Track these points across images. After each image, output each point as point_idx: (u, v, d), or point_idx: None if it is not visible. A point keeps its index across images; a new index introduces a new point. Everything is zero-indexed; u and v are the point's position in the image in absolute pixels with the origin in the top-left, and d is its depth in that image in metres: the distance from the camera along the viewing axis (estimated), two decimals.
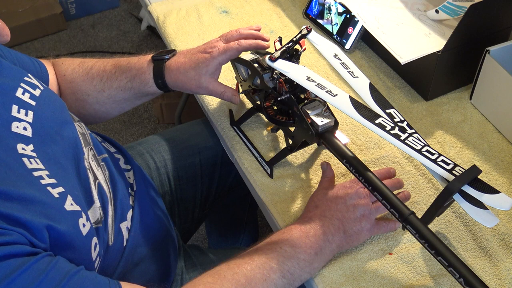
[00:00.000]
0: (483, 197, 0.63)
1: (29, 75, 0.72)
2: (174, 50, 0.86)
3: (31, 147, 0.62)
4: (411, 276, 0.73)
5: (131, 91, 0.85)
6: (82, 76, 0.86)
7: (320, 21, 1.12)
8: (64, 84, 0.87)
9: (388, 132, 0.70)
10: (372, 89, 0.77)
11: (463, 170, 0.66)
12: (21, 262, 0.52)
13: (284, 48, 0.79)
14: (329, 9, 1.09)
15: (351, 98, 0.73)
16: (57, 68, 0.88)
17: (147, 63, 0.84)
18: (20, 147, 0.61)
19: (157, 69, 0.83)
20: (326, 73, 1.03)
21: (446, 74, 0.94)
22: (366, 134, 0.91)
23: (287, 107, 0.81)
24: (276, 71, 0.81)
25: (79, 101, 0.86)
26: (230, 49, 0.80)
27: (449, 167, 0.67)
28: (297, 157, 0.88)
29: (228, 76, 1.01)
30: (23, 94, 0.67)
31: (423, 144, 0.70)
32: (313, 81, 0.74)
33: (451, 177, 0.65)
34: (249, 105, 0.96)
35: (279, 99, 0.79)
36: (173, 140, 1.05)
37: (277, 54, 0.77)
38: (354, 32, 1.05)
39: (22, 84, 0.68)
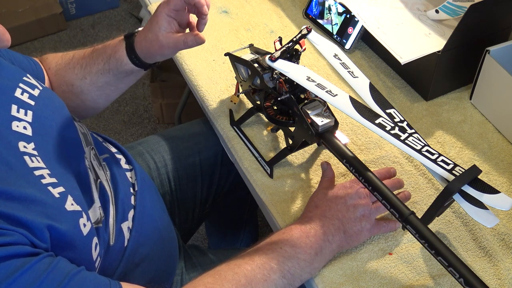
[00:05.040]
0: (483, 197, 0.63)
1: (27, 75, 0.72)
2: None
3: (32, 145, 0.62)
4: (411, 276, 0.73)
5: (109, 73, 0.85)
6: (65, 67, 0.87)
7: (320, 21, 1.12)
8: (50, 78, 0.87)
9: (388, 132, 0.70)
10: (372, 89, 0.77)
11: (463, 170, 0.66)
12: (22, 262, 0.52)
13: (284, 48, 0.79)
14: (329, 9, 1.09)
15: (351, 98, 0.73)
16: (43, 64, 0.89)
17: (119, 41, 0.84)
18: (21, 145, 0.61)
19: (128, 45, 0.83)
20: (326, 73, 1.03)
21: (446, 74, 0.94)
22: (366, 134, 0.91)
23: (287, 107, 0.81)
24: (276, 71, 0.81)
25: (66, 93, 0.87)
26: None
27: (449, 167, 0.67)
28: (297, 157, 0.88)
29: (228, 76, 1.01)
30: (21, 94, 0.67)
31: (423, 144, 0.70)
32: (313, 81, 0.74)
33: (451, 177, 0.65)
34: (249, 105, 0.96)
35: (279, 99, 0.79)
36: (173, 140, 1.05)
37: (277, 54, 0.77)
38: (354, 32, 1.05)
39: (20, 85, 0.68)
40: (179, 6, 0.78)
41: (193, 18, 0.83)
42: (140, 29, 0.84)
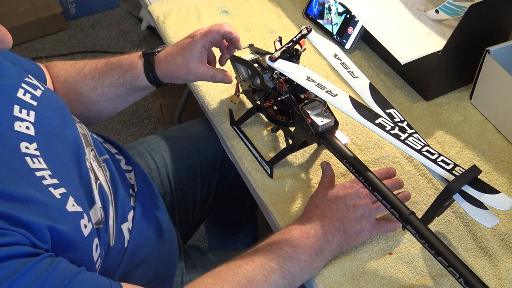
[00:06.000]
0: (483, 197, 0.63)
1: (29, 76, 0.72)
2: (165, 45, 0.87)
3: (34, 145, 0.62)
4: (411, 276, 0.73)
5: (123, 87, 0.86)
6: (75, 75, 0.87)
7: (320, 21, 1.12)
8: (57, 85, 0.88)
9: (388, 132, 0.70)
10: (372, 89, 0.77)
11: (463, 170, 0.66)
12: (23, 263, 0.52)
13: (284, 48, 0.79)
14: (329, 9, 1.09)
15: (351, 98, 0.73)
16: (50, 70, 0.89)
17: (138, 58, 0.85)
18: (23, 145, 0.61)
19: (148, 63, 0.84)
20: (326, 73, 1.03)
21: (446, 74, 0.94)
22: (366, 134, 0.91)
23: (287, 107, 0.81)
24: (276, 71, 0.81)
25: (72, 102, 0.87)
26: (211, 31, 0.81)
27: (449, 167, 0.67)
28: (297, 157, 0.88)
29: None
30: (24, 94, 0.67)
31: (423, 144, 0.70)
32: (313, 81, 0.74)
33: (451, 177, 0.65)
34: (249, 105, 0.96)
35: (279, 99, 0.79)
36: (173, 140, 1.05)
37: (277, 54, 0.77)
38: (354, 32, 1.05)
39: (23, 85, 0.68)
40: (216, 40, 0.82)
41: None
42: (159, 49, 0.85)
